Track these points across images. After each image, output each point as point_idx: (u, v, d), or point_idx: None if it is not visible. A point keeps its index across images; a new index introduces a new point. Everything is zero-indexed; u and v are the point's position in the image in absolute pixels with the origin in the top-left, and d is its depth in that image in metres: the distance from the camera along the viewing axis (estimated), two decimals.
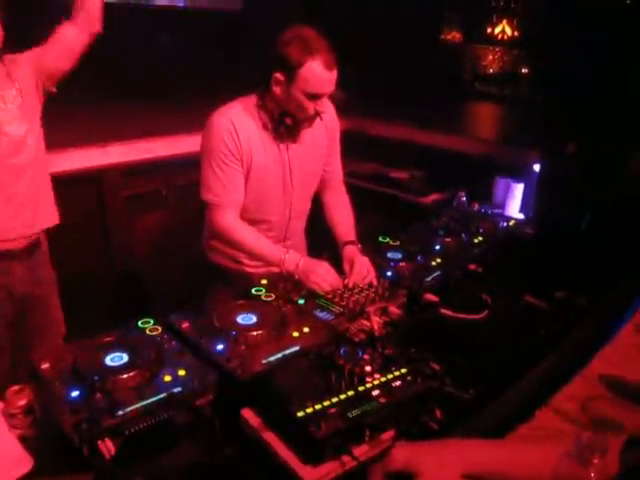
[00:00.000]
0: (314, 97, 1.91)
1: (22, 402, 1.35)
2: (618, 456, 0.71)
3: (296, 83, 1.88)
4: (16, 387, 1.37)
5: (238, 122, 1.99)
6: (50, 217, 2.24)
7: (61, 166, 2.90)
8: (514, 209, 3.26)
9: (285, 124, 2.01)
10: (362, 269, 1.95)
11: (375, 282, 1.92)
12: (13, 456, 1.26)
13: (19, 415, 1.34)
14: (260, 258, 2.08)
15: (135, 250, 3.29)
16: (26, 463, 1.24)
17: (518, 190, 3.26)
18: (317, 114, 1.96)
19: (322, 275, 1.87)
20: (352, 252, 2.07)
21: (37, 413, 1.35)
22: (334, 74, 1.90)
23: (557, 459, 0.87)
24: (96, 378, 1.28)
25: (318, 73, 1.85)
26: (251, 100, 2.05)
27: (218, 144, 1.98)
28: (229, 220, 2.04)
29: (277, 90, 1.94)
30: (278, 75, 1.91)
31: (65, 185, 2.95)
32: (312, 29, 1.91)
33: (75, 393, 1.25)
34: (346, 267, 2.00)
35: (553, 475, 0.89)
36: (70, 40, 2.11)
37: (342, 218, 2.29)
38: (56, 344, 2.24)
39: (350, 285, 1.89)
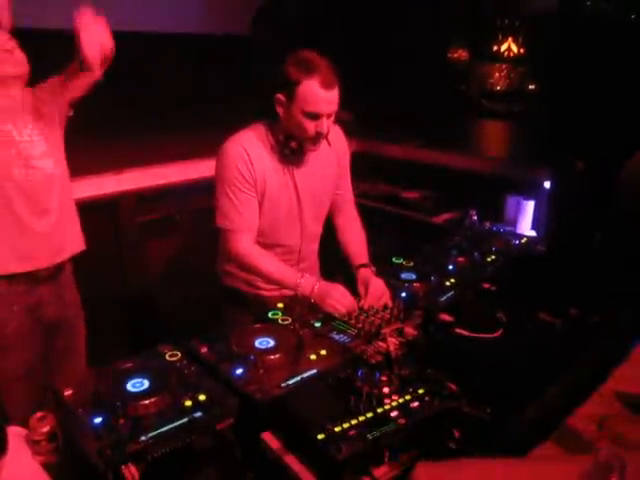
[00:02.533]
0: (313, 117, 1.93)
1: (45, 429, 1.37)
2: (636, 473, 0.73)
3: (295, 102, 1.92)
4: (39, 414, 1.39)
5: (251, 149, 2.03)
6: (77, 243, 2.26)
7: (76, 194, 2.95)
8: (526, 227, 3.27)
9: (290, 147, 2.04)
10: (377, 291, 1.97)
11: (390, 304, 1.93)
12: None
13: (42, 442, 1.37)
14: (276, 282, 2.09)
15: (150, 275, 3.33)
16: None
17: (529, 207, 3.27)
18: (319, 135, 1.98)
19: (338, 298, 1.89)
20: (366, 274, 2.09)
21: (60, 440, 1.37)
22: (333, 93, 1.92)
23: (577, 478, 0.88)
24: (118, 404, 1.30)
25: (315, 91, 1.88)
26: (261, 126, 2.09)
27: (232, 172, 2.01)
28: (245, 245, 2.07)
29: (280, 111, 1.98)
30: (280, 96, 1.95)
31: (81, 212, 3.01)
32: (313, 51, 1.95)
33: (98, 419, 1.27)
34: (361, 290, 2.02)
35: None
36: (77, 77, 2.14)
37: (354, 240, 2.32)
38: (80, 369, 2.25)
39: (366, 307, 1.91)
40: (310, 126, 1.94)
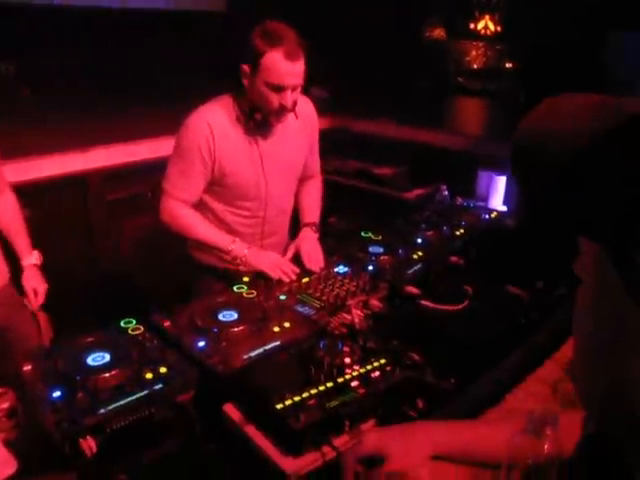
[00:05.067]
0: (277, 89, 1.91)
1: (4, 405, 1.35)
2: (581, 429, 0.74)
3: (259, 74, 1.90)
4: None
5: (214, 121, 2.01)
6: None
7: (43, 172, 2.90)
8: (497, 202, 3.27)
9: (255, 119, 2.03)
10: (308, 253, 2.06)
11: (323, 265, 2.01)
12: None
13: (2, 418, 1.35)
14: (209, 245, 2.14)
15: (121, 254, 3.29)
16: (10, 465, 1.25)
17: (501, 183, 3.28)
18: (283, 108, 1.96)
19: (269, 262, 1.97)
20: (303, 235, 2.20)
21: (20, 416, 1.36)
22: (297, 66, 1.90)
23: (512, 435, 0.90)
24: (78, 378, 1.29)
25: (279, 63, 1.86)
26: (228, 98, 2.07)
27: (190, 146, 2.02)
28: (180, 209, 2.11)
29: (245, 83, 1.97)
30: (245, 67, 1.94)
31: (48, 190, 2.97)
32: (281, 23, 1.93)
33: (57, 393, 1.26)
34: (290, 248, 2.15)
35: (509, 450, 0.92)
36: None
37: (307, 200, 2.37)
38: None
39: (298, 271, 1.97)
40: (274, 99, 1.92)
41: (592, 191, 0.48)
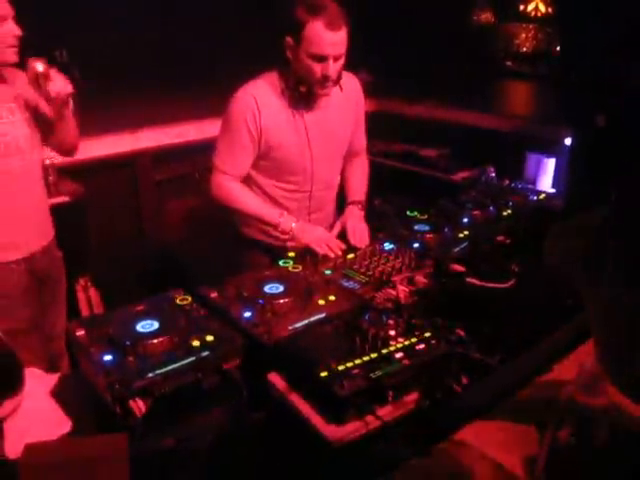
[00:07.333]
0: (319, 59, 1.92)
1: None
2: None
3: (302, 44, 1.91)
4: None
5: (260, 96, 2.04)
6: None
7: (94, 152, 2.98)
8: (546, 184, 3.22)
9: (299, 91, 2.03)
10: (354, 231, 2.08)
11: (368, 242, 2.02)
12: (53, 418, 1.32)
13: None
14: (257, 219, 2.17)
15: (168, 232, 3.36)
16: (65, 424, 1.30)
17: (550, 165, 3.22)
18: (326, 78, 1.96)
19: (316, 237, 1.99)
20: (349, 212, 2.22)
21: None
22: (339, 35, 1.90)
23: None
24: (128, 343, 1.33)
25: (320, 33, 1.87)
26: (274, 73, 2.09)
27: (237, 121, 2.05)
28: (229, 183, 2.14)
29: (289, 55, 1.98)
30: (289, 39, 1.95)
31: (100, 170, 3.04)
32: None
33: (108, 357, 1.30)
34: (337, 225, 2.17)
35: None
36: None
37: (353, 179, 2.38)
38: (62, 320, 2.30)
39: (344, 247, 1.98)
40: (317, 69, 1.93)
41: None
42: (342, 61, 1.97)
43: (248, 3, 4.80)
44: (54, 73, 1.89)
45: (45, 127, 2.06)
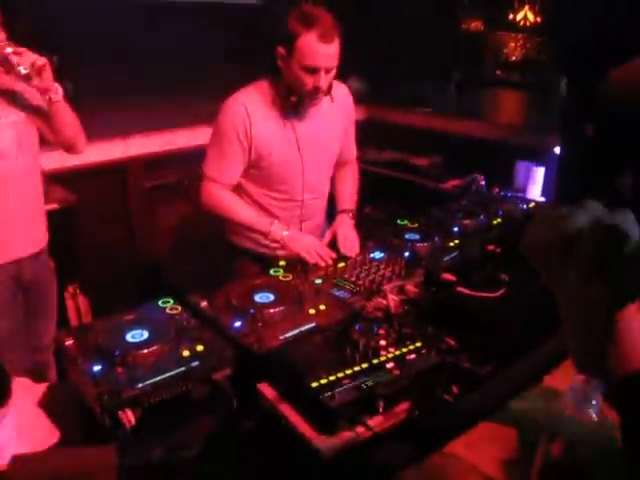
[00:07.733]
0: (311, 71, 1.92)
1: None
2: None
3: (294, 56, 1.91)
4: None
5: (250, 105, 2.04)
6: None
7: (85, 159, 2.96)
8: (535, 193, 3.24)
9: (290, 102, 2.04)
10: (344, 239, 2.07)
11: (358, 251, 2.01)
12: (41, 429, 1.30)
13: None
14: (248, 228, 2.16)
15: (158, 239, 3.35)
16: (53, 435, 1.28)
17: (539, 174, 3.24)
18: (317, 90, 1.97)
19: (306, 245, 1.98)
20: (340, 220, 2.21)
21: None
22: (331, 48, 1.90)
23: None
24: (117, 353, 1.32)
25: (313, 45, 1.87)
26: (265, 82, 2.10)
27: (228, 129, 2.05)
28: (219, 191, 2.14)
29: (281, 65, 1.98)
30: (280, 49, 1.95)
31: (91, 176, 3.03)
32: (318, 7, 1.95)
33: (97, 367, 1.29)
34: (327, 234, 2.15)
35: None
36: None
37: (343, 187, 2.38)
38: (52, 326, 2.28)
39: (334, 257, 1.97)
40: (308, 80, 1.94)
41: None
42: (334, 73, 1.98)
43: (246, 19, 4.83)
44: (22, 49, 1.85)
45: (43, 124, 2.05)
